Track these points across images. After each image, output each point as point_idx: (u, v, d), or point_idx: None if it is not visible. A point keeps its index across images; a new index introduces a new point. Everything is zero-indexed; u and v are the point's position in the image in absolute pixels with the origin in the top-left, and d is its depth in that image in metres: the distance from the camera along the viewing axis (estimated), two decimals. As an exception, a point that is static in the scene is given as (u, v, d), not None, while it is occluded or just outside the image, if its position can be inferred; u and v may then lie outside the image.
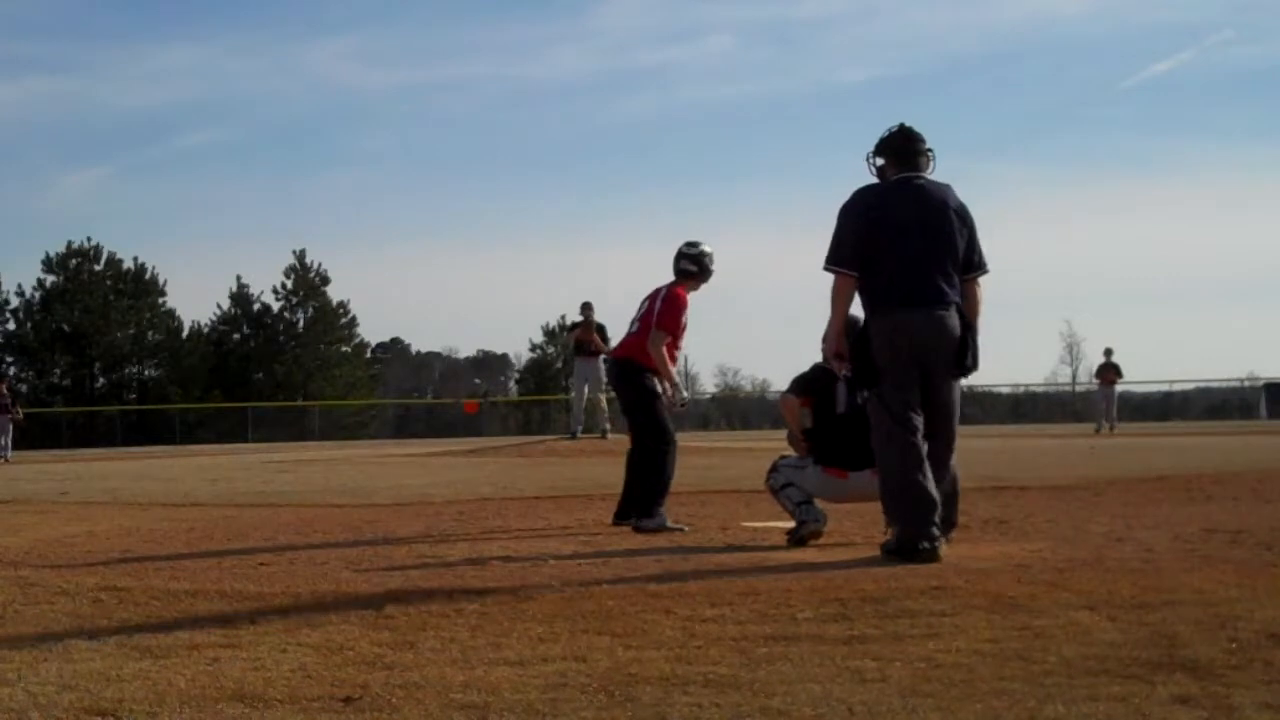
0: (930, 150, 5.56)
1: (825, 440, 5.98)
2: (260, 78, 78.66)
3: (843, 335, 5.51)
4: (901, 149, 5.54)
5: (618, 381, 7.23)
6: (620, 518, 7.02)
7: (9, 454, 23.65)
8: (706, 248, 7.15)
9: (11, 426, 24.13)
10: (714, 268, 7.18)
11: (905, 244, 5.34)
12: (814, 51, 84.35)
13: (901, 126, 5.58)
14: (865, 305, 5.50)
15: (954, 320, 5.34)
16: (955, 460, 5.54)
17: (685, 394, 7.06)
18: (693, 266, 7.10)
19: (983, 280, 5.57)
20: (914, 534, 5.13)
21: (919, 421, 5.31)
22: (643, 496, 6.86)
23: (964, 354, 5.35)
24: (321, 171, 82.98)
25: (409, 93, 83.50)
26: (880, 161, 5.59)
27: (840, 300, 5.45)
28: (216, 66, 76.84)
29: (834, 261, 5.43)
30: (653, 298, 7.12)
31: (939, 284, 5.34)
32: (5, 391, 24.52)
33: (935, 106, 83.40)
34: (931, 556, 5.04)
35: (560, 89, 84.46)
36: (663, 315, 6.98)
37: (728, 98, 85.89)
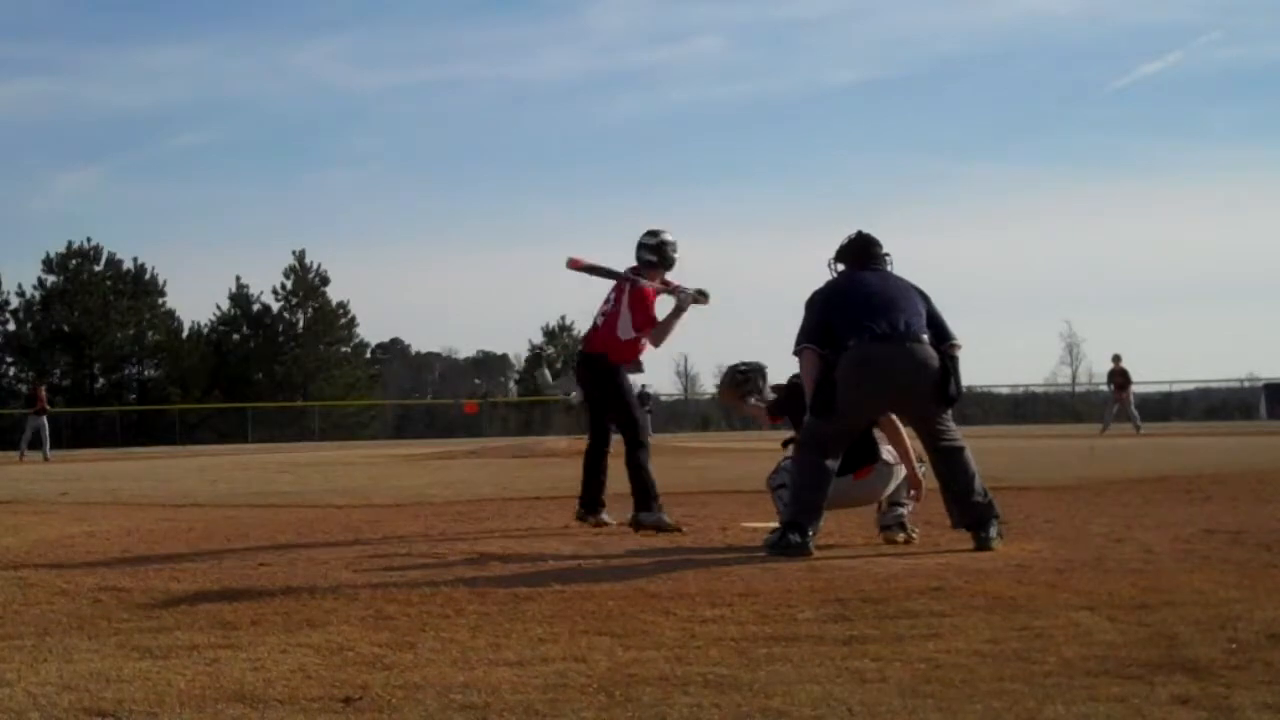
0: (888, 254, 5.82)
1: None
2: (255, 78, 78.81)
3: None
4: (860, 253, 5.81)
5: (589, 378, 7.19)
6: (587, 510, 7.03)
7: (39, 452, 24.36)
8: (668, 236, 7.14)
9: (45, 425, 24.89)
10: (675, 255, 7.15)
11: (873, 301, 5.56)
12: (804, 52, 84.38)
13: (860, 233, 5.86)
14: (840, 347, 5.55)
15: (929, 351, 5.51)
16: (972, 460, 5.66)
17: (689, 289, 7.09)
18: (653, 256, 7.09)
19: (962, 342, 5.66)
20: (787, 529, 5.46)
21: (837, 451, 5.56)
22: (637, 496, 6.84)
23: (946, 384, 5.50)
24: (320, 171, 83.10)
25: (404, 93, 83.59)
26: (841, 267, 5.83)
27: (809, 372, 5.65)
28: (211, 67, 77.03)
29: (800, 342, 5.67)
30: (618, 292, 7.11)
31: (910, 323, 5.52)
32: (43, 394, 26.24)
33: (926, 107, 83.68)
34: (801, 550, 5.37)
35: (553, 90, 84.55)
36: (636, 316, 6.98)
37: (719, 98, 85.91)
